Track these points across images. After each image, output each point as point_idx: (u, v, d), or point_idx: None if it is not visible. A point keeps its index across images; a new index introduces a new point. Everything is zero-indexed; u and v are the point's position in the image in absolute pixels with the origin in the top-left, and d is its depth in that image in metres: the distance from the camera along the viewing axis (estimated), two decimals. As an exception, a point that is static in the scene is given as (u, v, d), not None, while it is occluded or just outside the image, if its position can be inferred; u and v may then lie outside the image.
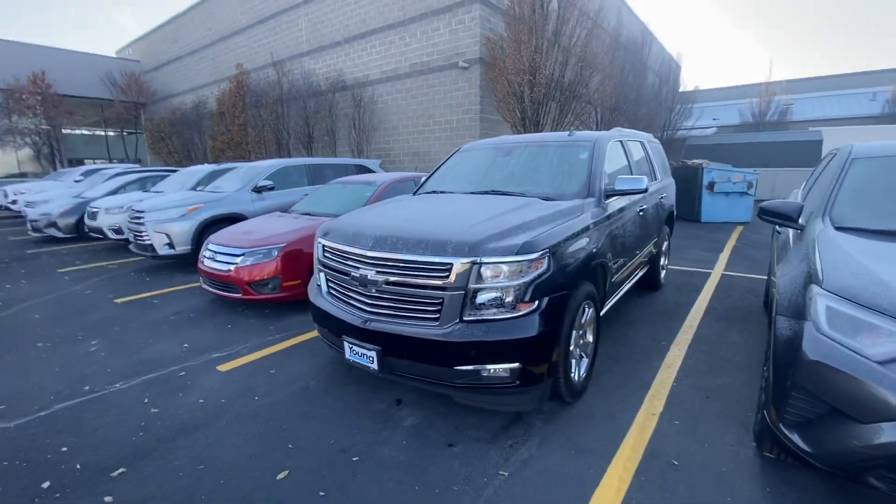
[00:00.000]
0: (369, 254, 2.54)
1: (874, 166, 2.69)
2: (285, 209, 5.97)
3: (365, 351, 2.52)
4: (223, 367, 3.40)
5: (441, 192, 3.69)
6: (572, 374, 2.73)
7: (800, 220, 2.62)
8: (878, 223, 2.28)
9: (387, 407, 2.79)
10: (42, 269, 6.86)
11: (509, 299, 2.27)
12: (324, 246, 2.93)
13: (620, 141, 4.02)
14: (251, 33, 17.19)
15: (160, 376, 3.27)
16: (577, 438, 2.43)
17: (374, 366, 2.50)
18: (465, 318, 2.28)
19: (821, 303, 1.77)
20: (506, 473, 2.17)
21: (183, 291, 5.48)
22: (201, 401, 2.92)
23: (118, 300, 5.17)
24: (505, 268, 2.26)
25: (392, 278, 2.44)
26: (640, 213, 3.87)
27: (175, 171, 10.24)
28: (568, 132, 3.84)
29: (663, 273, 5.30)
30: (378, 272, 2.50)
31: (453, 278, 2.28)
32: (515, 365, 2.27)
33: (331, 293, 2.88)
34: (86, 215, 8.44)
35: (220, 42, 18.88)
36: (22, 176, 20.26)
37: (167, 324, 4.37)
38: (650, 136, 5.25)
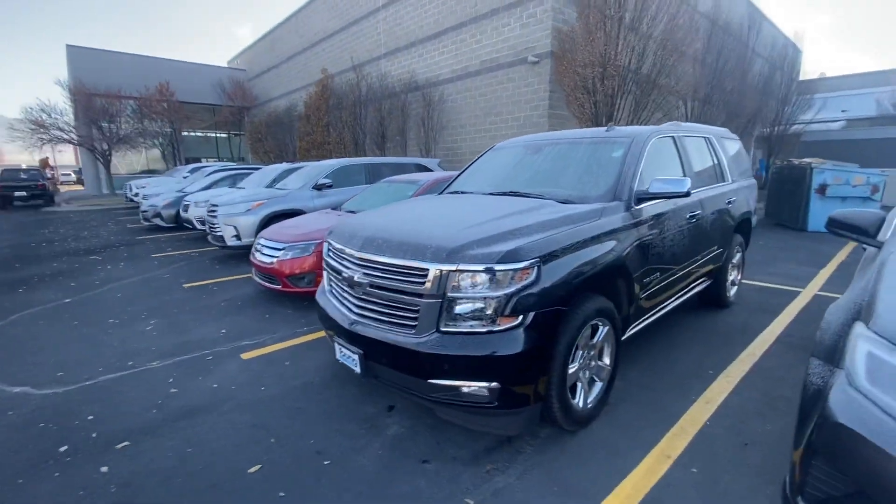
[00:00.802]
0: (356, 254, 2.48)
1: None
2: (339, 207, 6.19)
3: (350, 353, 2.47)
4: (246, 355, 3.59)
5: (461, 193, 3.53)
6: (574, 400, 2.44)
7: (878, 236, 2.05)
8: None
9: (377, 412, 2.71)
10: (140, 254, 7.89)
11: (489, 312, 2.06)
12: (328, 244, 2.93)
13: (673, 137, 3.52)
14: (336, 39, 18.22)
15: (191, 358, 3.54)
16: (567, 474, 2.15)
17: (358, 369, 2.44)
18: (441, 329, 2.12)
19: (862, 347, 1.34)
20: (471, 502, 1.97)
21: (239, 281, 5.94)
22: (215, 385, 3.10)
23: (186, 285, 5.75)
24: (484, 277, 2.06)
25: (376, 281, 2.36)
26: (693, 221, 3.36)
27: (259, 168, 11.19)
28: (607, 127, 3.45)
29: (734, 290, 4.58)
30: (364, 274, 2.44)
31: (429, 285, 2.13)
32: (494, 384, 2.06)
33: (331, 292, 2.88)
34: (181, 207, 9.56)
35: (309, 49, 20.30)
36: (150, 173, 23.64)
37: (216, 309, 4.75)
38: (722, 132, 4.56)
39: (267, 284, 4.93)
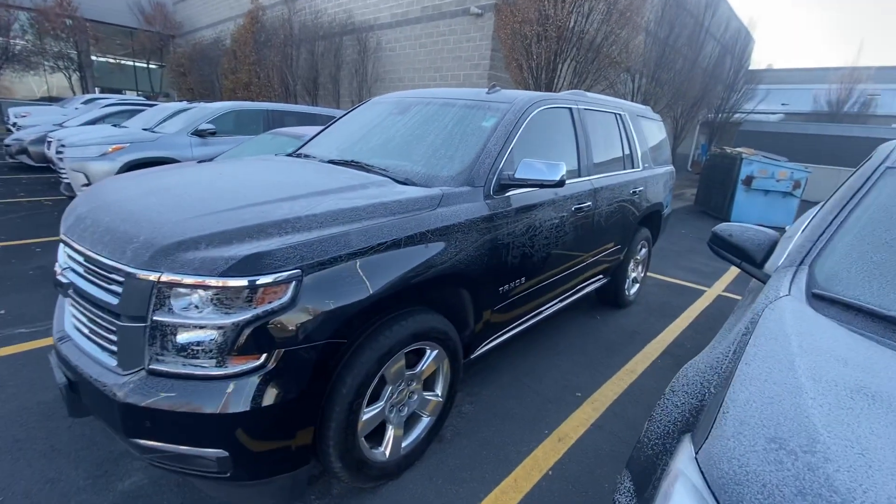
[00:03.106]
0: (63, 237, 1.68)
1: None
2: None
3: (59, 377, 1.71)
4: (4, 351, 2.72)
5: (303, 156, 2.75)
6: (380, 449, 1.84)
7: (766, 265, 1.53)
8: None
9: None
10: (-24, 198, 6.47)
11: (212, 347, 1.36)
12: (73, 216, 2.08)
13: (570, 109, 2.88)
14: (270, -36, 16.01)
15: (-82, 354, 2.63)
16: (333, 562, 1.57)
17: (65, 400, 1.70)
18: (150, 367, 1.40)
19: (678, 495, 0.78)
20: None
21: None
22: (-80, 400, 2.24)
23: (3, 243, 4.62)
24: (203, 293, 1.34)
25: (75, 283, 1.58)
26: (581, 213, 2.79)
27: (154, 105, 9.63)
28: (488, 89, 2.74)
29: (635, 287, 4.18)
30: (68, 269, 1.65)
31: (126, 298, 1.39)
32: (220, 452, 1.40)
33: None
34: (46, 145, 7.99)
35: (242, -27, 17.82)
36: (50, 101, 20.49)
37: (17, 280, 3.75)
38: (640, 109, 4.00)
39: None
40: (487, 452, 2.15)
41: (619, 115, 3.50)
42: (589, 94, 3.27)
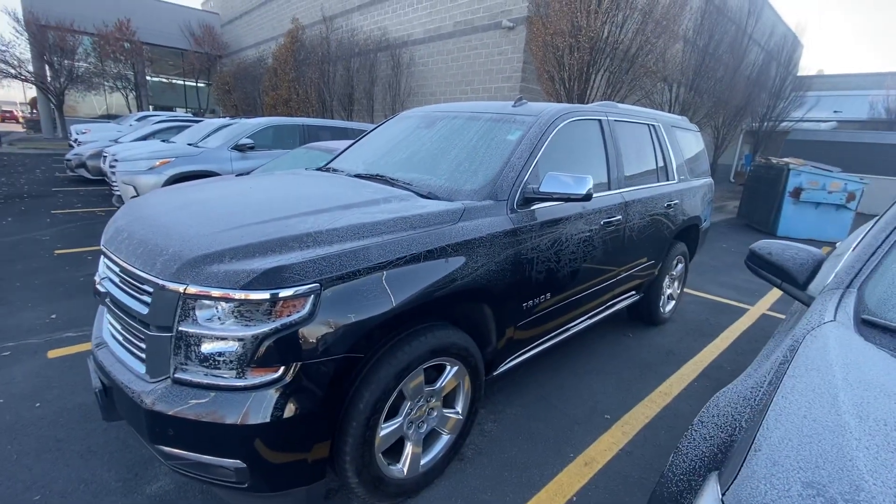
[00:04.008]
0: (102, 248, 1.78)
1: None
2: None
3: (95, 382, 1.79)
4: (55, 353, 2.89)
5: (331, 171, 2.81)
6: (397, 465, 1.83)
7: (809, 287, 1.42)
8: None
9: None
10: (40, 208, 6.99)
11: (232, 359, 1.39)
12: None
13: (599, 121, 2.82)
14: (310, -14, 16.74)
15: (-21, 354, 2.83)
16: (347, 581, 1.55)
17: (99, 405, 1.77)
18: (176, 376, 1.45)
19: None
20: None
21: (124, 250, 5.16)
22: (-23, 397, 2.41)
23: (59, 251, 4.95)
24: (225, 306, 1.38)
25: (111, 293, 1.66)
26: (611, 227, 2.70)
27: (200, 121, 10.17)
28: (514, 102, 2.72)
29: (671, 305, 4.00)
30: (105, 279, 1.74)
31: (154, 308, 1.44)
32: (237, 463, 1.42)
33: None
34: (101, 159, 8.57)
35: (283, -5, 18.71)
36: (109, 118, 22.04)
37: (68, 286, 4.00)
38: (676, 119, 3.87)
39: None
40: (510, 474, 2.08)
41: (653, 126, 3.39)
42: (620, 104, 3.19)
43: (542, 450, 2.25)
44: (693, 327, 3.93)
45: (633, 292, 3.41)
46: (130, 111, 23.66)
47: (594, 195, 2.35)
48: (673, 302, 4.05)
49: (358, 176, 2.52)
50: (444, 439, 2.03)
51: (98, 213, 6.93)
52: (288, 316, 1.39)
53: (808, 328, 1.12)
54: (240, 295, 1.35)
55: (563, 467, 2.14)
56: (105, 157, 8.03)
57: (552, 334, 2.57)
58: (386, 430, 1.73)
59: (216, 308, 1.39)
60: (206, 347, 1.40)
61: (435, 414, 1.96)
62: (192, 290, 1.37)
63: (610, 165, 2.81)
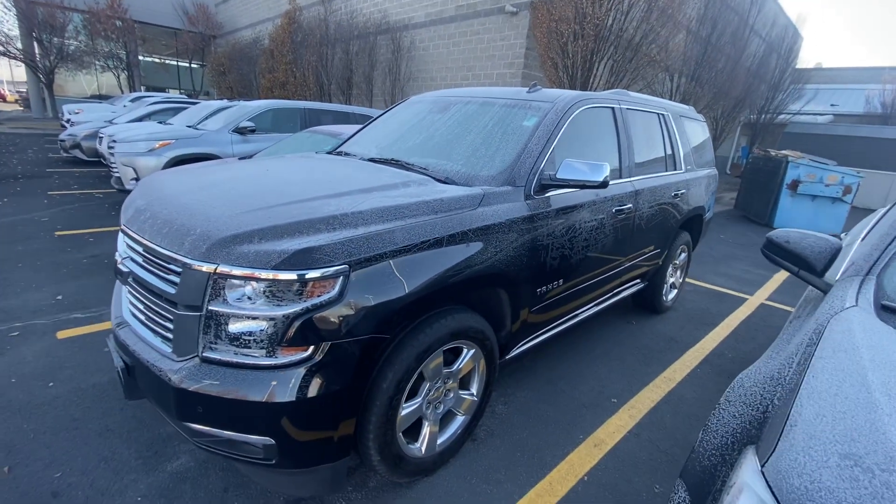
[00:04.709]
0: (123, 228, 1.78)
1: None
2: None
3: (117, 361, 1.81)
4: (64, 334, 2.89)
5: (343, 154, 2.80)
6: (416, 444, 1.87)
7: (826, 274, 1.46)
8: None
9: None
10: (36, 189, 6.90)
11: (262, 338, 1.41)
12: (131, 208, 2.19)
13: (612, 109, 2.82)
14: (308, -35, 16.36)
15: (-12, 333, 2.83)
16: (370, 554, 1.60)
17: (121, 386, 1.79)
18: (204, 355, 1.46)
19: (745, 501, 0.76)
20: None
21: (125, 232, 5.12)
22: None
23: (59, 233, 4.90)
24: (256, 286, 1.39)
25: (135, 272, 1.67)
26: (621, 216, 2.73)
27: (196, 103, 10.01)
28: (529, 87, 2.72)
29: (673, 293, 4.06)
30: (128, 258, 1.74)
31: (182, 288, 1.45)
32: (266, 440, 1.45)
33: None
34: (97, 140, 8.43)
35: (281, -26, 18.28)
36: (100, 98, 21.62)
37: (72, 267, 3.98)
38: (684, 109, 3.88)
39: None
40: (522, 454, 2.13)
41: (663, 115, 3.40)
42: (632, 93, 3.20)
43: (552, 432, 2.31)
44: (694, 315, 4.00)
45: (639, 280, 3.46)
46: (122, 92, 23.16)
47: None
48: (675, 291, 4.11)
49: (371, 160, 2.52)
50: (459, 420, 2.07)
51: (96, 195, 6.85)
52: (318, 297, 1.41)
53: (831, 313, 1.16)
54: (271, 275, 1.37)
55: (574, 448, 2.20)
56: (101, 137, 7.91)
57: (563, 319, 2.61)
58: (407, 409, 1.76)
59: (247, 288, 1.40)
60: (237, 327, 1.42)
61: (451, 395, 2.00)
62: (223, 269, 1.38)
63: (622, 153, 2.83)
